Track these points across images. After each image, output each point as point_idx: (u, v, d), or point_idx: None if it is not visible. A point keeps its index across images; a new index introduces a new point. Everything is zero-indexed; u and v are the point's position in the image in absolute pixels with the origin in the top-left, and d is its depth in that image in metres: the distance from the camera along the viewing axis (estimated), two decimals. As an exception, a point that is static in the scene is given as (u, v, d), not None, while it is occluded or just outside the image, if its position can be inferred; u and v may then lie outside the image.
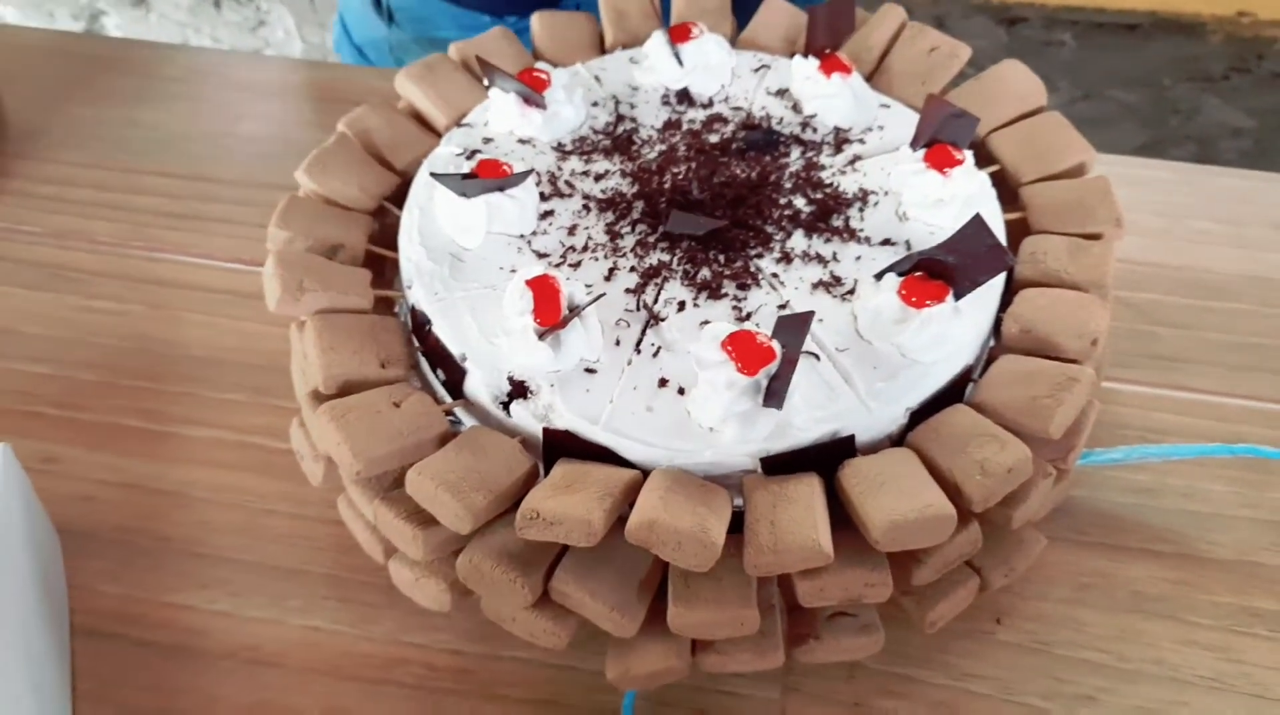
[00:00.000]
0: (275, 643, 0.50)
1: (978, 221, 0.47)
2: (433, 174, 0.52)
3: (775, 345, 0.45)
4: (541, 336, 0.46)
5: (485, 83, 0.60)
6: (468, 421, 0.50)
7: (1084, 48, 1.70)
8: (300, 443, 0.52)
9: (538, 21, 0.66)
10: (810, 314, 0.44)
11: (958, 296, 0.48)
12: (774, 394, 0.44)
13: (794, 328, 0.44)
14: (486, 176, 0.53)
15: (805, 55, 0.60)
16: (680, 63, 0.60)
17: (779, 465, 0.45)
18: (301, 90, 0.80)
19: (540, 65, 0.61)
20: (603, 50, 0.66)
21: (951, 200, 0.53)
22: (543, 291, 0.47)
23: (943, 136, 0.54)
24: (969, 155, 0.54)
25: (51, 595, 0.51)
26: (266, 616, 0.51)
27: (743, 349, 0.44)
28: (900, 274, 0.49)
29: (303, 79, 0.81)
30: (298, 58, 2.16)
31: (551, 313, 0.47)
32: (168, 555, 0.53)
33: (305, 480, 0.53)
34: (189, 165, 0.73)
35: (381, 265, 0.56)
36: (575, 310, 0.47)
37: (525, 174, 0.53)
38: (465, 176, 0.52)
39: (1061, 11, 1.67)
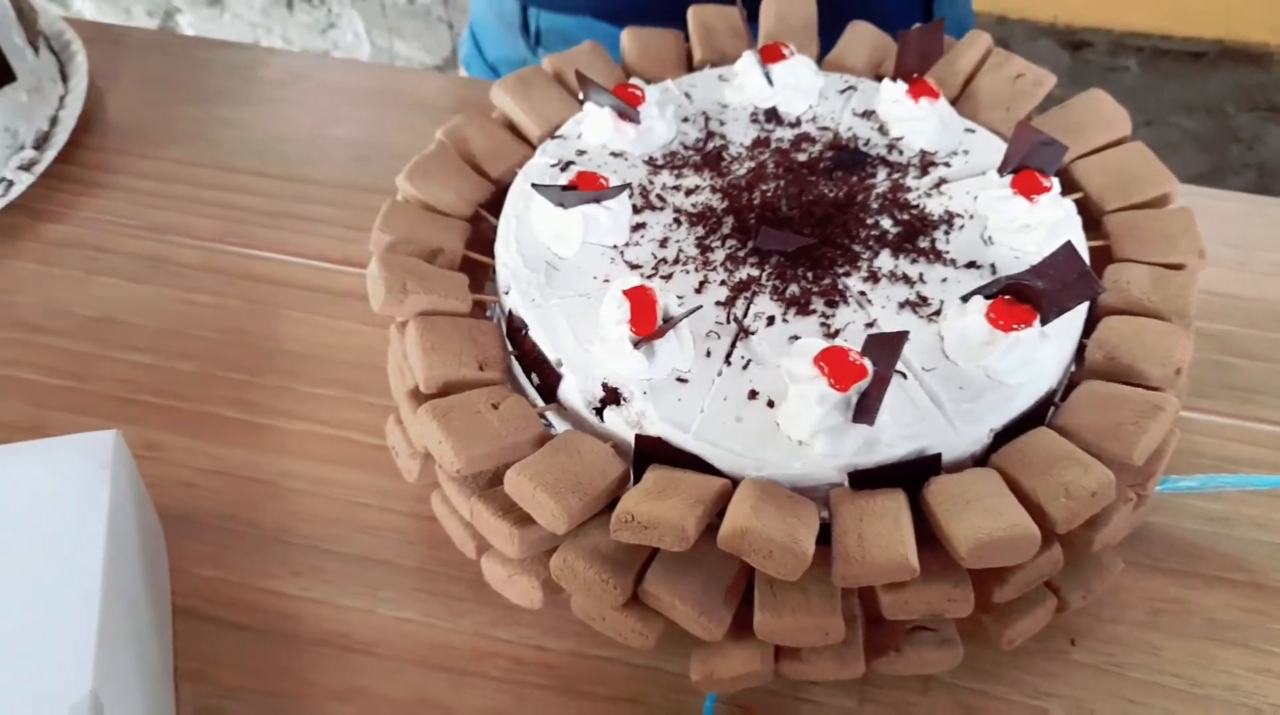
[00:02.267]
0: (367, 631, 0.51)
1: (1069, 249, 0.48)
2: (533, 185, 0.53)
3: (867, 362, 0.45)
4: (637, 345, 0.47)
5: (580, 97, 0.61)
6: (559, 425, 0.51)
7: (1148, 74, 1.69)
8: (396, 439, 0.53)
9: (628, 37, 0.67)
10: (904, 334, 0.45)
11: (1044, 321, 0.48)
12: (865, 410, 0.45)
13: (886, 347, 0.45)
14: (584, 189, 0.54)
15: (894, 79, 0.61)
16: (770, 82, 0.61)
17: (865, 480, 0.46)
18: (391, 96, 0.82)
19: (634, 81, 0.62)
20: (690, 67, 0.67)
21: (1037, 226, 0.53)
22: (640, 302, 0.48)
23: (1031, 163, 0.55)
24: (1055, 182, 0.54)
25: (156, 576, 0.53)
26: (359, 605, 0.52)
27: (835, 365, 0.45)
28: (988, 297, 0.49)
29: (393, 85, 0.83)
30: (366, 60, 2.19)
31: (647, 323, 0.48)
32: (264, 542, 0.54)
33: (395, 475, 0.55)
34: (284, 166, 0.75)
35: (474, 270, 0.58)
36: (670, 321, 0.48)
37: (622, 188, 0.54)
38: (564, 188, 0.54)
39: (1127, 37, 1.66)
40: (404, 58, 2.18)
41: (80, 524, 0.47)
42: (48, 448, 0.50)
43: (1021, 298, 0.49)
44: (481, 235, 0.58)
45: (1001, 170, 0.55)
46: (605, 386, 0.48)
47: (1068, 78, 0.60)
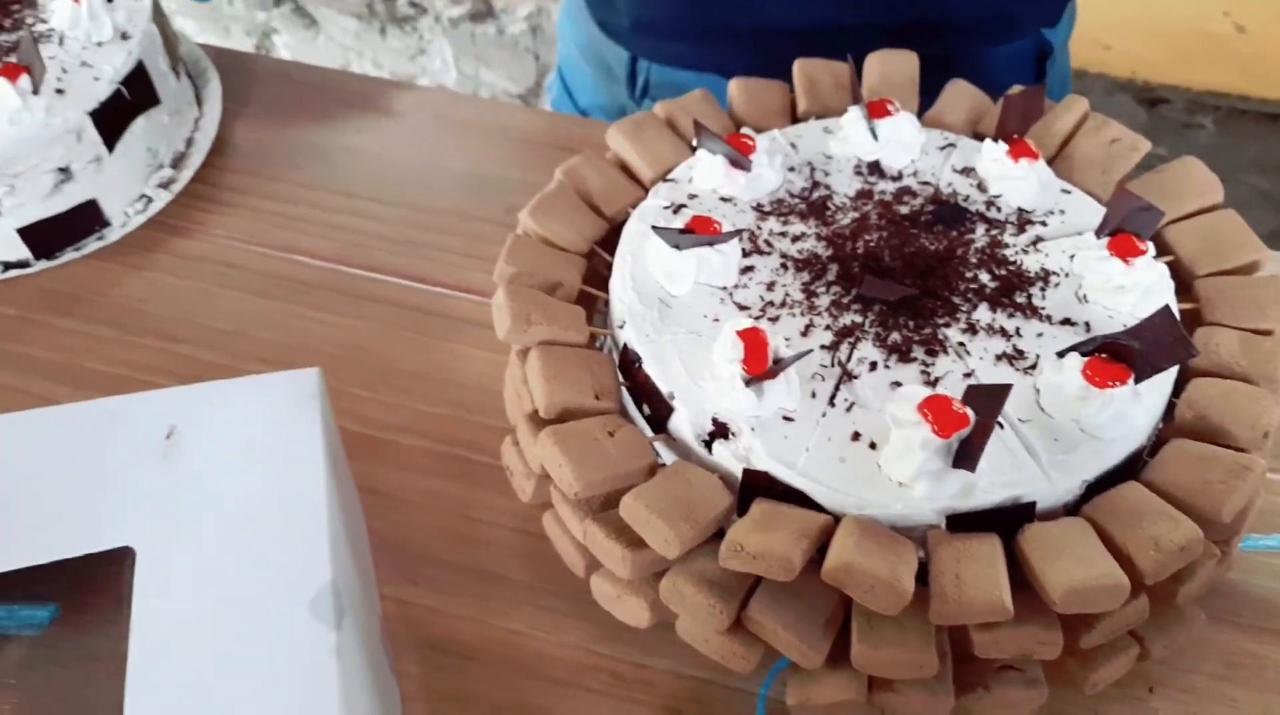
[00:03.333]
0: (477, 639, 0.54)
1: (1166, 313, 0.49)
2: (653, 228, 0.56)
3: (969, 411, 0.47)
4: (748, 383, 0.50)
5: (694, 143, 0.64)
6: (667, 454, 0.53)
7: (1224, 133, 1.69)
8: (512, 460, 0.56)
9: (736, 87, 0.69)
10: (1007, 387, 0.47)
11: (1138, 380, 0.50)
12: (967, 457, 0.47)
13: (989, 398, 0.47)
14: (699, 232, 0.56)
15: (995, 139, 0.63)
16: (875, 137, 0.63)
17: (962, 523, 0.48)
18: (500, 130, 0.85)
19: (744, 130, 0.65)
20: (794, 117, 0.70)
21: (1132, 288, 0.55)
22: (752, 343, 0.50)
23: (1127, 227, 0.57)
24: (1151, 246, 0.56)
25: (351, 498, 0.57)
26: (470, 615, 0.55)
27: (939, 413, 0.47)
28: (1084, 354, 0.51)
29: (502, 120, 0.86)
30: (452, 88, 2.25)
31: (759, 362, 0.50)
32: (383, 550, 0.57)
33: (504, 492, 0.57)
34: (400, 193, 0.78)
35: (586, 302, 0.60)
36: (780, 363, 0.50)
37: (734, 233, 0.57)
38: (680, 231, 0.56)
39: (1204, 96, 1.66)
40: (489, 85, 2.23)
41: (300, 443, 0.52)
42: (260, 382, 0.55)
43: (1117, 356, 0.50)
44: (594, 270, 0.61)
45: (1099, 232, 0.57)
46: (715, 421, 0.51)
47: (1144, 133, 0.61)
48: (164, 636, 0.48)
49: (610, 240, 0.62)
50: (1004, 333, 0.55)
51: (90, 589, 0.54)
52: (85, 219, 0.71)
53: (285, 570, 0.50)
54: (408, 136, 0.84)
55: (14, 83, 0.65)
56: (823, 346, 0.54)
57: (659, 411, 0.53)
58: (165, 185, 0.75)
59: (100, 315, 0.69)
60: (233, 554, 0.51)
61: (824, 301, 0.56)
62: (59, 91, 0.68)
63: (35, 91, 0.66)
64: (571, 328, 0.56)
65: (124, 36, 0.72)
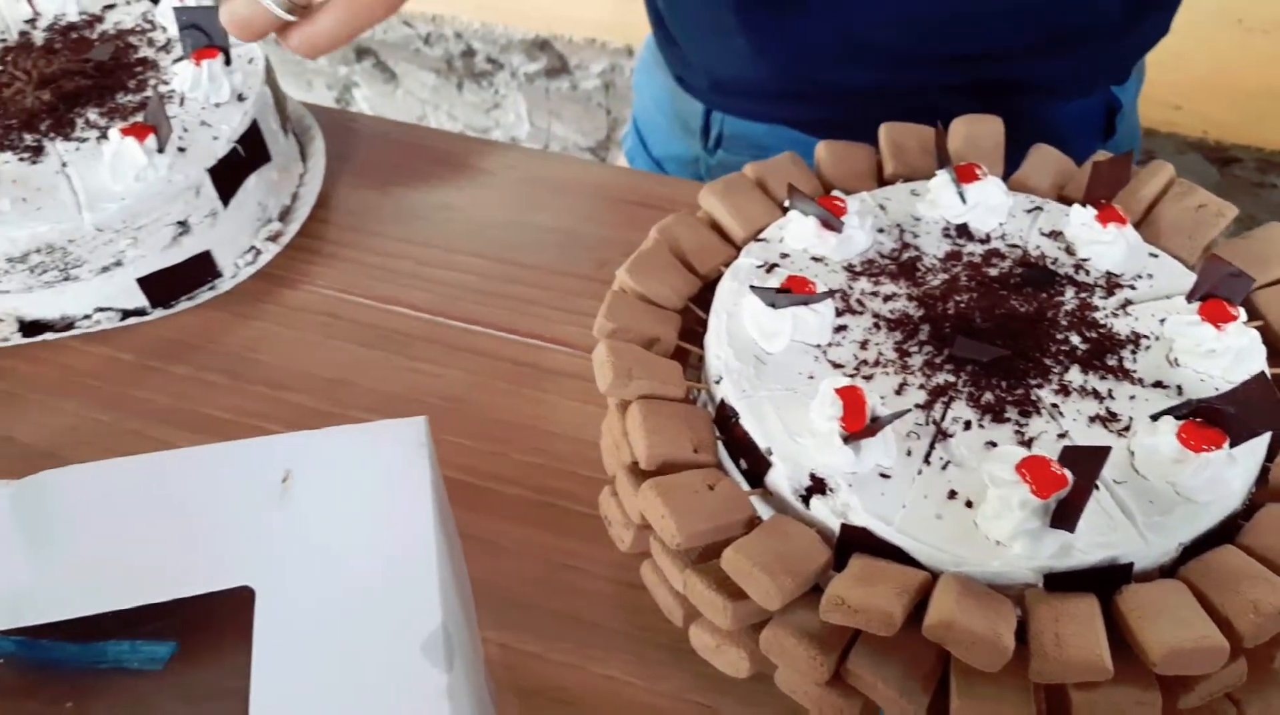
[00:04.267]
0: (579, 686, 0.55)
1: (1262, 379, 0.50)
2: (751, 287, 0.57)
3: (1067, 473, 0.48)
4: (846, 441, 0.51)
5: (786, 204, 0.65)
6: (762, 508, 0.54)
7: (1295, 192, 1.68)
8: (610, 510, 0.57)
9: (824, 150, 0.71)
10: (1106, 450, 0.47)
11: (1233, 444, 0.50)
12: (1066, 518, 0.47)
13: (1088, 459, 0.48)
14: (795, 291, 0.58)
15: (1083, 203, 0.63)
16: (964, 200, 0.64)
17: (1059, 582, 0.48)
18: (589, 188, 0.87)
19: (835, 192, 0.66)
20: (880, 179, 0.71)
21: (1224, 352, 0.55)
22: (851, 401, 0.51)
23: (1219, 292, 0.57)
24: (1242, 311, 0.57)
25: (455, 544, 0.58)
26: (570, 662, 0.56)
27: (1037, 473, 0.48)
28: (1178, 418, 0.51)
29: (591, 178, 0.88)
30: (524, 141, 2.29)
31: (857, 420, 0.51)
32: (482, 596, 0.58)
33: (599, 541, 0.58)
34: (494, 248, 0.80)
35: (678, 357, 0.62)
36: (879, 421, 0.51)
37: (829, 293, 0.58)
38: (776, 291, 0.57)
39: (1276, 156, 1.65)
40: (560, 138, 2.27)
41: (409, 488, 0.54)
42: (371, 429, 0.57)
43: (1211, 421, 0.51)
44: (687, 326, 0.63)
45: (1190, 297, 0.58)
46: (812, 476, 0.52)
47: (1216, 193, 0.62)
48: (284, 674, 0.50)
49: (703, 297, 0.63)
50: (1096, 395, 0.55)
51: (209, 627, 0.55)
52: (199, 270, 0.74)
53: (398, 612, 0.51)
54: (499, 194, 0.86)
55: (142, 142, 0.68)
56: (917, 405, 0.55)
57: (756, 466, 0.54)
58: (274, 238, 0.78)
59: (212, 362, 0.72)
60: (347, 595, 0.53)
61: (917, 361, 0.57)
62: (181, 150, 0.71)
63: (160, 150, 0.69)
64: (670, 382, 0.57)
65: (240, 98, 0.76)
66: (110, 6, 0.84)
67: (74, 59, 0.78)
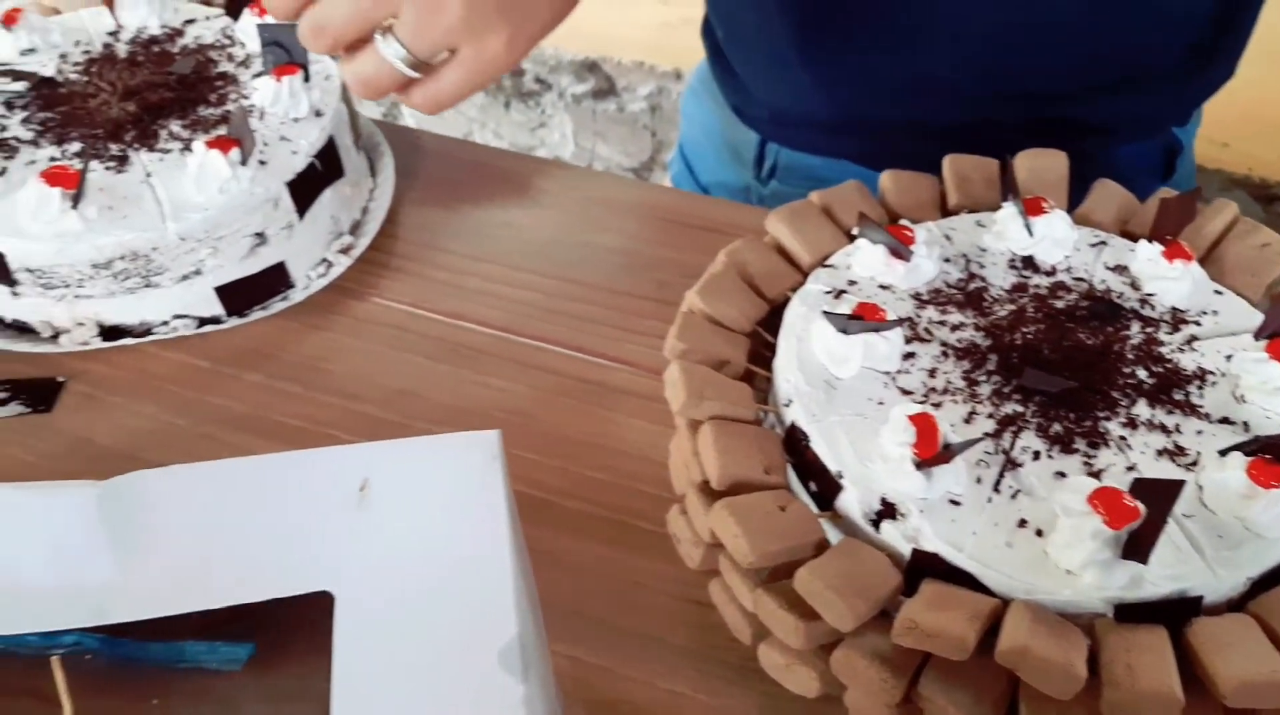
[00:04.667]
0: (646, 701, 0.55)
1: (1334, 418, 0.50)
2: (824, 312, 0.58)
3: (1139, 505, 0.48)
4: (919, 467, 0.51)
5: (855, 231, 0.66)
6: (831, 531, 0.55)
7: (1340, 231, 1.67)
8: (680, 527, 0.58)
9: (889, 179, 0.72)
10: (1180, 483, 0.48)
11: (1303, 482, 0.51)
12: (1138, 550, 0.48)
13: (1161, 493, 0.48)
14: (867, 318, 0.58)
15: (1149, 239, 0.64)
16: (1030, 233, 0.65)
17: (1128, 613, 0.49)
18: (649, 210, 0.88)
19: (903, 222, 0.67)
20: (944, 210, 0.72)
21: (1292, 391, 0.56)
22: (924, 427, 0.52)
23: (1286, 331, 0.58)
24: (1310, 351, 0.57)
25: (525, 558, 0.59)
26: (638, 677, 0.57)
27: (1110, 505, 0.48)
28: (1247, 454, 0.52)
29: (650, 200, 0.89)
30: (568, 161, 2.31)
31: (930, 447, 0.52)
32: (549, 608, 0.59)
33: (665, 558, 0.59)
34: (558, 267, 0.81)
35: (746, 380, 0.62)
36: (952, 448, 0.52)
37: (900, 321, 0.59)
38: (848, 317, 0.58)
39: (1322, 194, 1.65)
40: (604, 159, 2.29)
41: (484, 500, 0.55)
42: (445, 441, 0.58)
43: (1278, 457, 0.51)
44: (753, 349, 0.63)
45: (1258, 335, 0.58)
46: (883, 501, 0.52)
47: None
48: (365, 680, 0.51)
49: (769, 321, 0.64)
50: (1164, 429, 0.55)
51: (285, 629, 0.57)
52: (273, 280, 0.75)
53: (475, 622, 0.52)
54: (560, 213, 0.87)
55: (226, 154, 0.69)
56: (986, 434, 0.55)
57: (826, 489, 0.55)
58: (345, 251, 0.79)
59: (284, 371, 0.73)
60: (425, 604, 0.53)
61: (985, 390, 0.57)
62: (262, 163, 0.72)
63: (243, 162, 0.71)
64: (741, 404, 0.58)
65: (317, 113, 0.77)
66: (190, 21, 0.86)
67: (157, 72, 0.79)
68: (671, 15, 2.00)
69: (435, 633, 0.52)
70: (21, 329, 0.73)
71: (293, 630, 0.56)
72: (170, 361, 0.73)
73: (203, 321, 0.74)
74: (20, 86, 0.78)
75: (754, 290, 0.65)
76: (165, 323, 0.73)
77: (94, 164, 0.71)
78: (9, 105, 0.77)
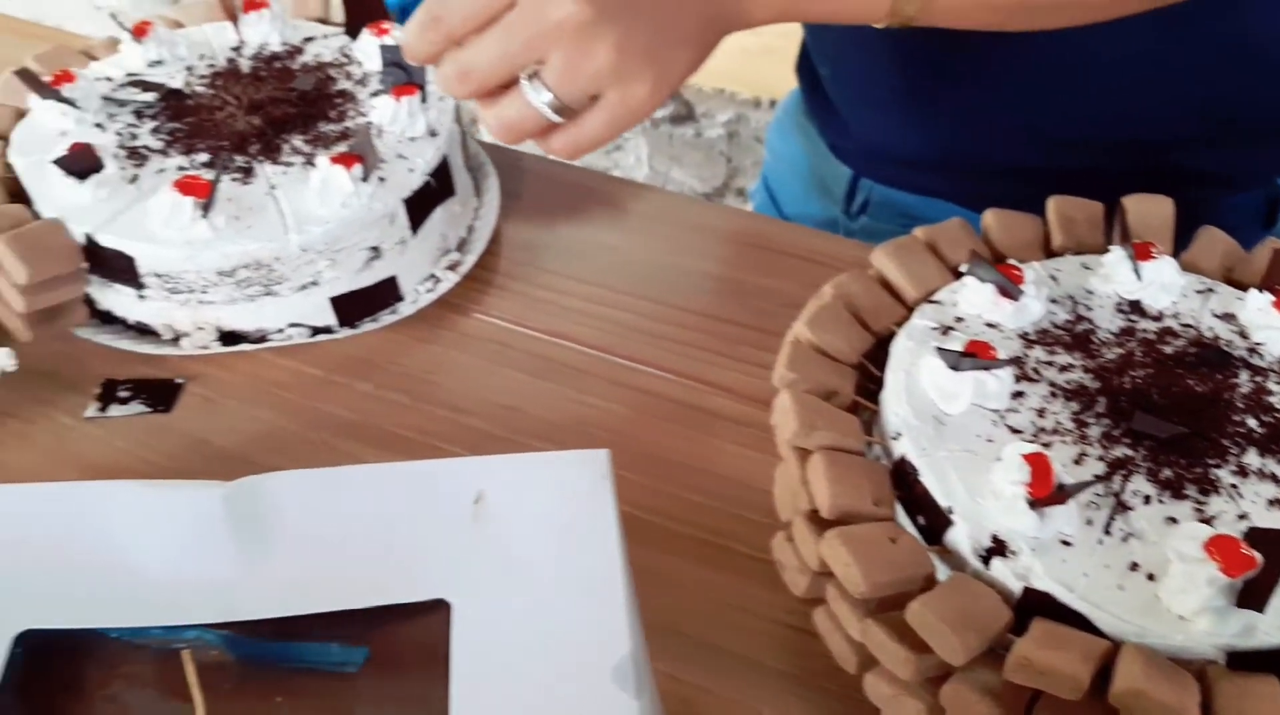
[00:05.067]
0: (749, 724, 0.57)
1: None
2: (937, 348, 0.59)
3: (1256, 554, 0.48)
4: (1033, 506, 0.52)
5: (963, 268, 0.67)
6: (939, 565, 0.55)
7: None
8: (786, 555, 0.59)
9: (992, 218, 0.72)
10: (1300, 534, 0.48)
11: None
12: (1254, 598, 0.48)
13: (1277, 542, 0.48)
14: (979, 356, 0.59)
15: (1260, 289, 0.64)
16: (1139, 277, 0.65)
17: (1241, 661, 0.49)
18: (744, 238, 0.89)
19: (1011, 261, 0.67)
20: (1048, 250, 0.72)
21: (1402, 446, 0.56)
22: (1039, 467, 0.52)
23: (1398, 386, 0.57)
24: None
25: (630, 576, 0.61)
26: (741, 700, 0.57)
27: (1227, 552, 0.48)
28: (1361, 507, 0.52)
29: (746, 228, 0.91)
30: (643, 182, 2.33)
31: (1044, 486, 0.52)
32: (652, 627, 0.60)
33: (764, 583, 0.60)
34: (656, 291, 0.82)
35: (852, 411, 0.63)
36: (1065, 489, 0.52)
37: (1011, 360, 0.59)
38: (961, 354, 0.59)
39: None
40: (677, 183, 2.30)
41: (595, 518, 0.56)
42: (556, 458, 0.60)
43: (1397, 513, 0.51)
44: (858, 381, 0.64)
45: (1369, 389, 0.58)
46: (994, 538, 0.53)
47: None
48: (482, 688, 0.52)
49: (873, 353, 0.64)
50: (1275, 478, 0.55)
51: (398, 635, 0.58)
52: (384, 294, 0.77)
53: (589, 637, 0.53)
54: (657, 237, 0.88)
55: (349, 169, 0.71)
56: (1096, 476, 0.55)
57: (934, 523, 0.55)
58: (452, 267, 0.81)
59: (392, 382, 0.75)
60: (540, 617, 0.55)
61: (1094, 432, 0.58)
62: (381, 179, 0.74)
63: (365, 179, 0.73)
64: (850, 435, 0.58)
65: (432, 133, 0.79)
66: (309, 39, 0.89)
67: (279, 87, 0.82)
68: (753, 44, 2.00)
69: (551, 646, 0.53)
70: (142, 331, 0.76)
71: (405, 635, 0.58)
72: (283, 368, 0.75)
73: (316, 330, 0.76)
74: (150, 97, 0.81)
75: (860, 323, 0.66)
76: (280, 330, 0.76)
77: (222, 175, 0.74)
78: (139, 114, 0.80)
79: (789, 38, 1.96)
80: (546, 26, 0.58)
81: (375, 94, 0.82)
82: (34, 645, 0.53)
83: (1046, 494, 0.52)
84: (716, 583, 0.63)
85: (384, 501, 0.60)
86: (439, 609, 0.55)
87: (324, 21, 0.92)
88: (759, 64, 2.05)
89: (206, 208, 0.69)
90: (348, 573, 0.57)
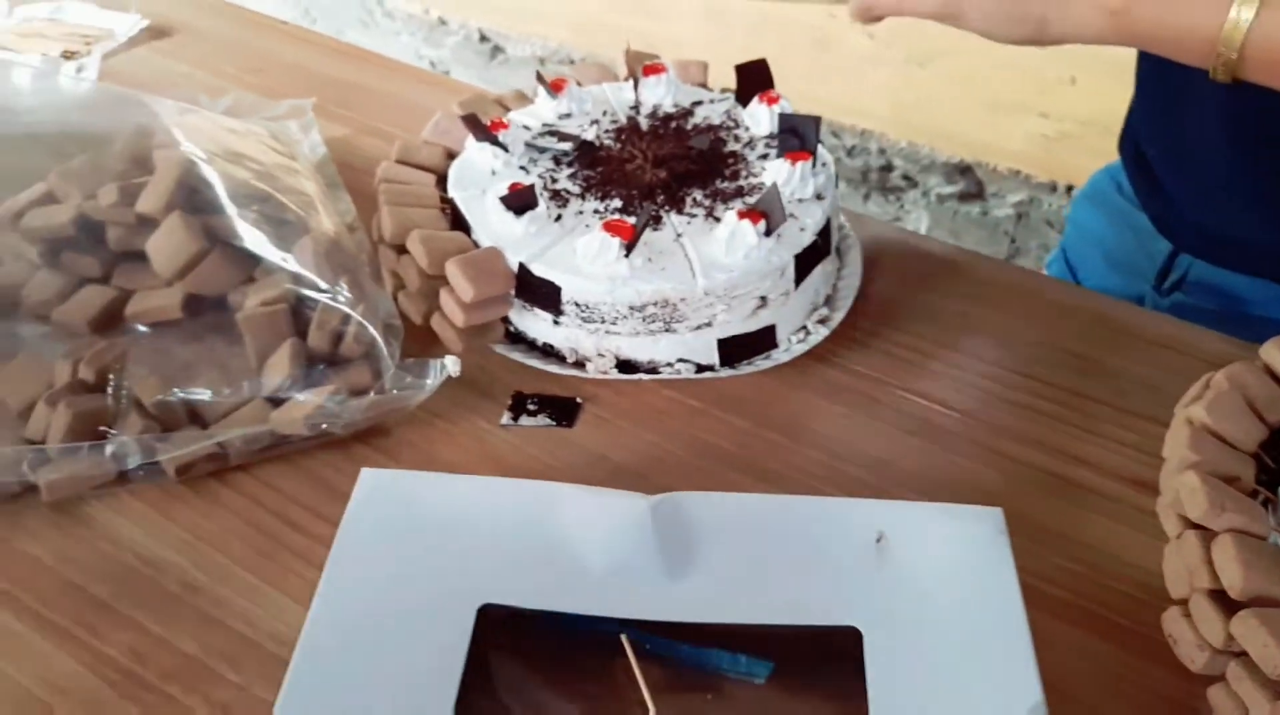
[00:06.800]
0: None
1: None
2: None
3: None
4: None
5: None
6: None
7: None
8: (1180, 630, 0.59)
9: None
10: None
11: None
12: None
13: None
14: (1400, 459, 0.58)
15: None
16: None
17: None
18: (1088, 314, 0.90)
19: None
20: None
21: None
22: None
23: None
24: None
25: None
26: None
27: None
28: None
29: (1090, 306, 0.91)
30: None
31: None
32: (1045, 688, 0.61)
33: (1146, 654, 0.61)
34: (1014, 362, 0.84)
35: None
36: None
37: None
38: (1380, 455, 0.58)
39: None
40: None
41: (996, 571, 0.61)
42: (953, 510, 0.65)
43: None
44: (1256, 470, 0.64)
45: None
46: None
47: None
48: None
49: (1267, 443, 0.64)
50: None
51: (801, 655, 0.62)
52: (764, 340, 0.82)
53: (999, 684, 0.55)
54: (1009, 310, 0.90)
55: (755, 224, 0.77)
56: None
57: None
58: (823, 322, 0.85)
59: (768, 421, 0.79)
60: (950, 656, 0.57)
61: None
62: (778, 236, 0.80)
63: (767, 233, 0.78)
64: (1257, 521, 0.59)
65: (818, 197, 0.84)
66: (698, 103, 0.96)
67: (679, 145, 0.89)
68: (1051, 129, 2.00)
69: (962, 685, 0.56)
70: (546, 352, 0.83)
71: (811, 655, 0.61)
72: (668, 398, 0.81)
73: (700, 367, 0.82)
74: (567, 146, 0.89)
75: (1254, 412, 0.66)
76: (670, 364, 0.81)
77: (648, 222, 0.80)
78: (556, 161, 0.88)
79: (1088, 125, 1.95)
80: None
81: (762, 157, 0.88)
82: (492, 618, 0.60)
83: None
84: (1096, 649, 0.64)
85: (790, 529, 0.64)
86: (848, 635, 0.59)
87: (704, 87, 0.99)
88: (1057, 149, 2.04)
89: (629, 248, 0.76)
90: (762, 591, 0.61)
